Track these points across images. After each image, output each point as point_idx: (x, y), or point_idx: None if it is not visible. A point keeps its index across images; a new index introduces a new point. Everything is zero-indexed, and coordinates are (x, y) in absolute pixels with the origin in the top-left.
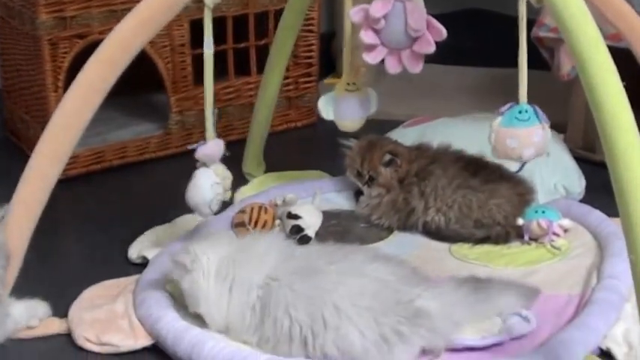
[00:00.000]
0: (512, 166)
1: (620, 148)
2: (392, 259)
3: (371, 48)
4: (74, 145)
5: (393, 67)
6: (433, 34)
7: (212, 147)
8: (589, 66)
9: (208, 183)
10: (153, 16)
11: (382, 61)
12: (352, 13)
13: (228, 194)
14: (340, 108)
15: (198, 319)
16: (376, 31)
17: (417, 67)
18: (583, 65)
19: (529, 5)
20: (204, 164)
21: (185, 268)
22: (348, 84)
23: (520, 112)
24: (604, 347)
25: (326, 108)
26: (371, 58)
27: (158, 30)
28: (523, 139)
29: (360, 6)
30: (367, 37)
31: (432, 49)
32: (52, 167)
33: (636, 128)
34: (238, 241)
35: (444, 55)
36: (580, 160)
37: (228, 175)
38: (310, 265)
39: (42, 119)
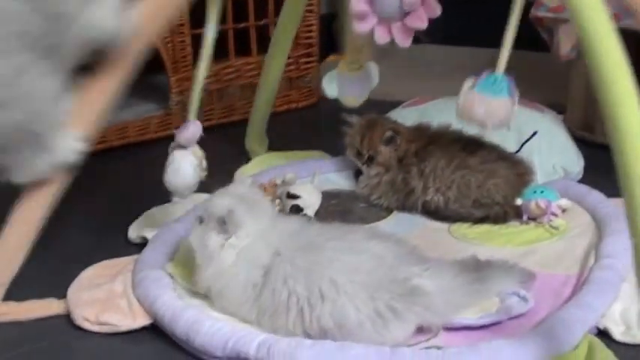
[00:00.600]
0: (510, 147)
1: (624, 130)
2: (391, 237)
3: (361, 16)
4: None
5: (381, 38)
6: (427, 11)
7: (193, 129)
8: (596, 49)
9: (190, 166)
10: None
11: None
12: None
13: (205, 174)
14: (343, 86)
15: (196, 296)
16: (369, 1)
17: (406, 42)
18: (590, 48)
19: None
20: (182, 146)
21: (224, 229)
22: (352, 62)
23: (494, 82)
24: (602, 326)
25: (329, 86)
26: (360, 27)
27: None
28: (490, 109)
29: None
30: (358, 5)
31: (423, 25)
32: None
33: None
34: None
35: (444, 35)
36: (579, 141)
37: (203, 155)
38: (310, 241)
39: None
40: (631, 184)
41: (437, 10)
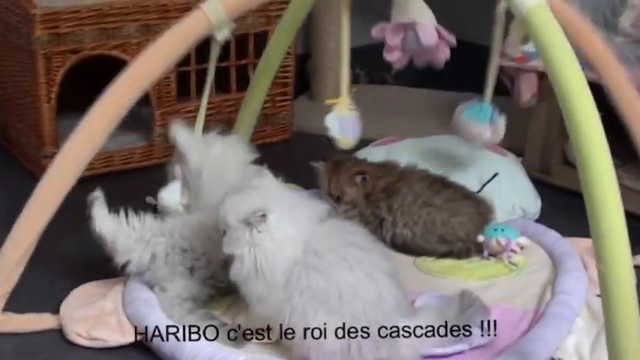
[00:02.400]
0: (473, 187)
1: (593, 169)
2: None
3: (398, 61)
4: (92, 156)
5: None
6: (445, 44)
7: None
8: (571, 100)
9: None
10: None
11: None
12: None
13: None
14: (344, 126)
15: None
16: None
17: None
18: (565, 99)
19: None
20: None
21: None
22: (350, 104)
23: (481, 109)
24: (557, 358)
25: (333, 126)
26: (397, 66)
27: (176, 59)
28: (476, 134)
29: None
30: (391, 57)
31: (446, 55)
32: (70, 176)
33: (609, 152)
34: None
35: (411, 78)
36: (536, 182)
37: None
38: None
39: (34, 128)
40: (598, 217)
41: (452, 40)
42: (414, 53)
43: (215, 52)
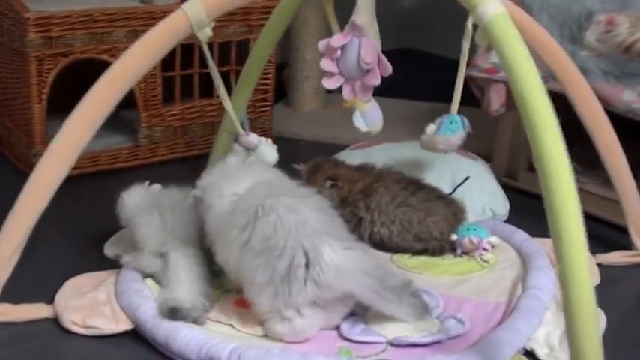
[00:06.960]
0: (445, 189)
1: (553, 178)
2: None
3: (330, 75)
4: (79, 153)
5: (347, 94)
6: (381, 69)
7: None
8: (530, 106)
9: None
10: (154, 48)
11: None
12: (319, 44)
13: None
14: (369, 118)
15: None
16: (336, 61)
17: (366, 97)
18: (524, 104)
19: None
20: None
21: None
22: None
23: (451, 122)
24: (528, 348)
25: (359, 122)
26: (329, 84)
27: (159, 58)
28: (452, 144)
29: (326, 39)
30: (326, 65)
31: (377, 82)
32: (58, 173)
33: (567, 160)
34: None
35: (383, 88)
36: (504, 187)
37: None
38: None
39: (25, 127)
40: (558, 221)
41: (389, 69)
42: (350, 76)
43: (207, 52)
